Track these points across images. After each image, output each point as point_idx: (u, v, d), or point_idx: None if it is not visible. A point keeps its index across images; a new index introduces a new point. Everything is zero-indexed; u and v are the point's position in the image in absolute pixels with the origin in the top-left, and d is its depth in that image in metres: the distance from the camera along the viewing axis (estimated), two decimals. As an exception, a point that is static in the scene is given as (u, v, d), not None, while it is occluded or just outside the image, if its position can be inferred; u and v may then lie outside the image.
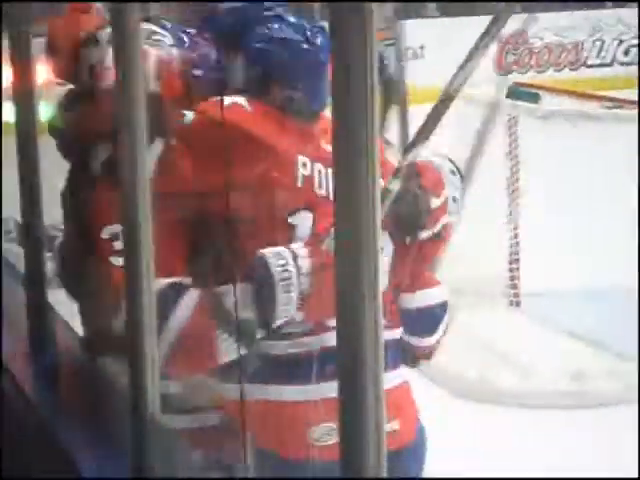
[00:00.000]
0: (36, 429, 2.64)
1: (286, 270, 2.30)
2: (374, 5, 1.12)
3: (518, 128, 6.59)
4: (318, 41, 2.58)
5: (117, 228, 2.18)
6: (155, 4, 2.98)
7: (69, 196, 2.58)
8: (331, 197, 2.34)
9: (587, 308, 6.21)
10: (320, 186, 2.50)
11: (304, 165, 2.47)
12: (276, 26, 2.59)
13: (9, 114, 3.11)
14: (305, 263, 2.34)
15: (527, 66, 14.88)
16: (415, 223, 2.53)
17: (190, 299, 2.31)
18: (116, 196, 1.93)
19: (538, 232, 6.34)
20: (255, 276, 2.32)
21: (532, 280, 6.84)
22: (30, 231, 2.82)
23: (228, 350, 2.31)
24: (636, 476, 3.76)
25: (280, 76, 2.53)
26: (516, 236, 6.78)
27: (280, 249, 2.33)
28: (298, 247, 2.37)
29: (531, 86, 6.82)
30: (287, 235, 2.45)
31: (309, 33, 2.60)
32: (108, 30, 2.37)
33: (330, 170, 2.38)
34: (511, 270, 6.93)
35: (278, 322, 2.32)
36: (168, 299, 2.25)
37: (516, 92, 6.41)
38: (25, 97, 2.71)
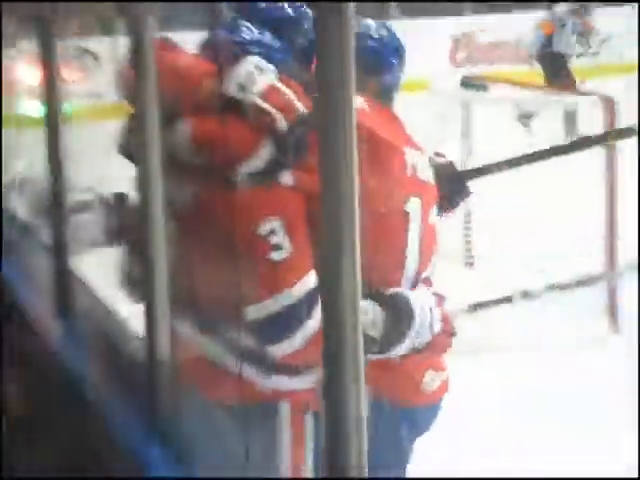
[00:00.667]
0: (64, 386, 2.60)
1: (426, 315, 2.31)
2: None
3: (470, 112, 6.71)
4: (396, 36, 2.62)
5: (274, 224, 2.17)
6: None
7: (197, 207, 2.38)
8: (430, 181, 2.50)
9: (529, 269, 6.29)
10: (422, 171, 2.49)
11: (410, 155, 2.46)
12: (366, 26, 2.58)
13: (34, 109, 3.16)
14: (436, 316, 2.36)
15: (477, 61, 14.93)
16: None
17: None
18: (267, 196, 2.13)
19: (488, 203, 6.22)
20: (396, 311, 2.29)
21: (484, 244, 7.00)
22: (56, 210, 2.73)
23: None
24: (636, 476, 3.50)
25: (375, 70, 2.49)
26: (469, 209, 6.77)
27: (424, 293, 2.40)
28: (427, 294, 2.43)
29: (480, 78, 6.98)
30: (404, 224, 2.42)
31: (386, 30, 2.61)
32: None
33: (423, 155, 2.50)
34: (466, 235, 6.98)
35: (395, 352, 2.31)
36: (310, 301, 2.19)
37: (468, 84, 6.54)
38: (52, 96, 2.63)
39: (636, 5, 13.35)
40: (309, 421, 2.43)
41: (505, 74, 10.53)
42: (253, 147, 2.21)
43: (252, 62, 2.24)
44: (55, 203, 2.71)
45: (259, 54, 2.30)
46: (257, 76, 2.23)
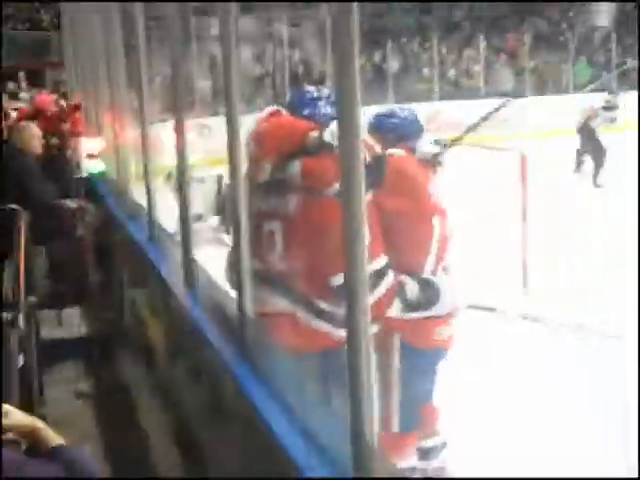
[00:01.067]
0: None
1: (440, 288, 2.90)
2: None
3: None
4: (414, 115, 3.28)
5: None
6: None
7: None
8: (444, 207, 3.00)
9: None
10: (440, 199, 3.01)
11: (432, 188, 3.00)
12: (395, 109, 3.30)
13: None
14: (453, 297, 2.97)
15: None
16: None
17: (389, 279, 2.72)
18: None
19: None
20: (427, 290, 2.87)
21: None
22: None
23: (396, 310, 2.80)
24: (636, 476, 3.13)
25: (403, 138, 3.10)
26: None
27: (448, 281, 2.95)
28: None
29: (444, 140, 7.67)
30: (431, 231, 2.95)
31: (409, 112, 3.28)
32: None
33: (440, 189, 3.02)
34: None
35: (423, 314, 2.89)
36: (380, 274, 2.70)
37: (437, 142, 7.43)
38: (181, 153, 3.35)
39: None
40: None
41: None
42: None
43: None
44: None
45: None
46: None
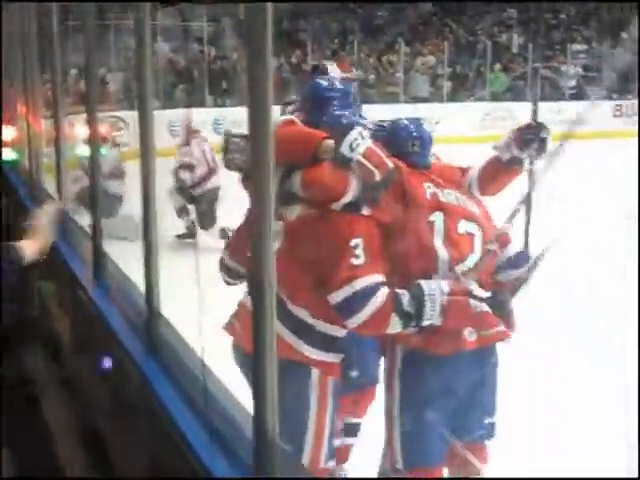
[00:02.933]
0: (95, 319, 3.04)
1: (433, 292, 2.62)
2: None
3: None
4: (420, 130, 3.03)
5: (357, 241, 2.60)
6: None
7: None
8: (454, 203, 2.85)
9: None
10: (443, 197, 2.84)
11: (429, 187, 2.84)
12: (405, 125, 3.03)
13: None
14: (446, 289, 2.64)
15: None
16: None
17: (382, 293, 2.58)
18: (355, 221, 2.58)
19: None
20: (415, 296, 2.61)
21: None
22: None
23: (395, 326, 2.60)
24: (636, 476, 2.86)
25: (405, 151, 2.92)
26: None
27: (433, 282, 2.66)
28: (445, 284, 2.67)
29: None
30: (431, 229, 2.78)
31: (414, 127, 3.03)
32: None
33: (448, 190, 2.86)
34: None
35: (425, 324, 2.62)
36: (371, 290, 2.57)
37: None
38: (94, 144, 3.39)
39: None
40: (331, 384, 2.73)
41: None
42: (348, 188, 2.63)
43: (358, 131, 2.67)
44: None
45: (361, 126, 2.72)
46: (360, 141, 2.66)
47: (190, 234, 7.64)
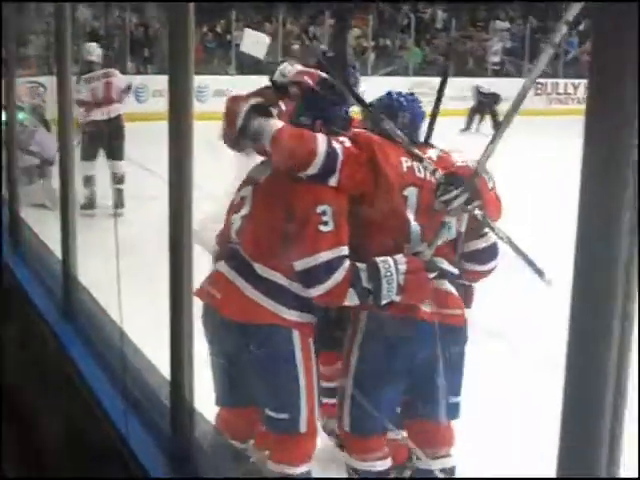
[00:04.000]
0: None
1: (389, 272, 2.64)
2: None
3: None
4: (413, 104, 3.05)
5: (325, 208, 2.61)
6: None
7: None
8: (429, 178, 2.78)
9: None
10: (419, 172, 2.82)
11: (406, 161, 2.81)
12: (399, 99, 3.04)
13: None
14: (403, 267, 2.66)
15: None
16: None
17: (344, 268, 2.60)
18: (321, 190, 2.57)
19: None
20: (370, 277, 2.63)
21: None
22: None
23: (352, 299, 2.64)
24: (636, 476, 3.27)
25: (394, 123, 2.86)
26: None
27: (387, 258, 2.66)
28: (400, 257, 2.68)
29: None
30: (404, 204, 2.79)
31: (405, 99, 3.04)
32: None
33: (423, 165, 2.79)
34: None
35: (383, 302, 2.65)
36: (334, 264, 2.58)
37: None
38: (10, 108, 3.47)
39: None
40: (312, 346, 2.73)
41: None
42: (311, 162, 2.64)
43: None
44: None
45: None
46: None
47: (90, 205, 7.45)
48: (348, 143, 2.73)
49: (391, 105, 3.00)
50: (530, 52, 19.18)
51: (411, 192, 2.79)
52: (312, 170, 2.65)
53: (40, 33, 14.76)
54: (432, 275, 2.76)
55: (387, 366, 2.80)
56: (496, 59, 20.15)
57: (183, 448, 1.67)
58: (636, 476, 2.27)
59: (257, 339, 2.67)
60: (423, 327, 2.75)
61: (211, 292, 2.74)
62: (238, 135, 2.77)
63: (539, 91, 19.85)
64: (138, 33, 17.04)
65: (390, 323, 2.73)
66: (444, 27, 21.62)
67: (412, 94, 3.18)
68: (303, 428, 2.73)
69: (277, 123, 2.73)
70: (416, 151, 2.80)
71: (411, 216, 2.76)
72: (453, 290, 2.83)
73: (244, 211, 2.80)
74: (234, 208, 2.87)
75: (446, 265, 2.86)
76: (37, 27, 14.64)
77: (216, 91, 15.81)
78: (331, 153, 2.67)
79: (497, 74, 19.40)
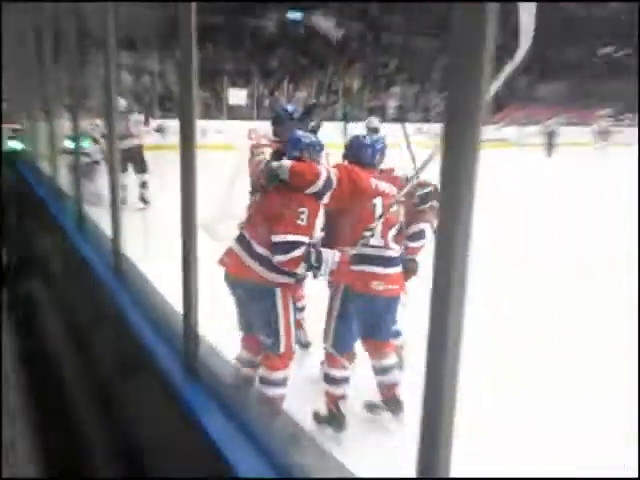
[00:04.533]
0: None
1: (327, 262, 2.68)
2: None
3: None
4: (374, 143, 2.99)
5: (304, 209, 2.65)
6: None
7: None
8: (387, 190, 2.85)
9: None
10: (381, 186, 2.87)
11: (373, 181, 2.87)
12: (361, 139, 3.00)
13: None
14: (337, 259, 2.70)
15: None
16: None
17: (301, 249, 2.64)
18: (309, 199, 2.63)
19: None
20: (317, 259, 2.66)
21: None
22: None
23: (302, 269, 2.67)
24: (636, 476, 2.36)
25: (357, 157, 2.95)
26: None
27: (329, 250, 2.70)
28: (338, 255, 2.70)
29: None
30: (372, 210, 2.85)
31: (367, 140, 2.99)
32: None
33: (384, 182, 2.88)
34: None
35: (320, 275, 2.70)
36: (297, 244, 2.62)
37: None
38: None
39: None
40: (289, 298, 2.82)
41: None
42: (317, 183, 2.69)
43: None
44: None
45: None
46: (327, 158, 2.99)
47: (123, 201, 7.43)
48: (336, 173, 2.77)
49: (360, 144, 3.03)
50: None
51: (378, 201, 2.86)
52: (314, 189, 2.71)
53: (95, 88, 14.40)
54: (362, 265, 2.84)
55: (353, 317, 2.91)
56: (392, 111, 20.70)
57: (191, 360, 1.65)
58: (636, 476, 2.39)
59: (252, 292, 2.80)
60: (372, 297, 2.88)
61: (226, 261, 2.87)
62: (264, 170, 2.81)
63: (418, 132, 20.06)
64: (162, 92, 16.69)
65: (355, 295, 2.87)
66: (360, 90, 21.67)
67: (377, 132, 3.24)
68: (282, 349, 2.83)
69: (288, 162, 2.76)
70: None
71: (377, 219, 2.83)
72: (376, 269, 2.86)
73: (252, 209, 2.93)
74: (250, 207, 3.01)
75: (396, 247, 2.93)
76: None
77: (214, 129, 15.83)
78: (328, 180, 2.72)
79: (393, 120, 19.73)
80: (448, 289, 0.83)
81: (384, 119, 19.51)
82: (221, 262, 2.89)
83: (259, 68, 20.48)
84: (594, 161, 18.25)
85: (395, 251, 2.91)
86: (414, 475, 0.89)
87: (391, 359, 3.02)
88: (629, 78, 29.19)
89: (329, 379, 2.96)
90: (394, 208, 2.87)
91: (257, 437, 1.22)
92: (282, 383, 2.84)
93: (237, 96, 16.50)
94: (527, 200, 8.97)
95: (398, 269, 2.92)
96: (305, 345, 3.78)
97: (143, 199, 7.75)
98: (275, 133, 3.50)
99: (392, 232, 2.89)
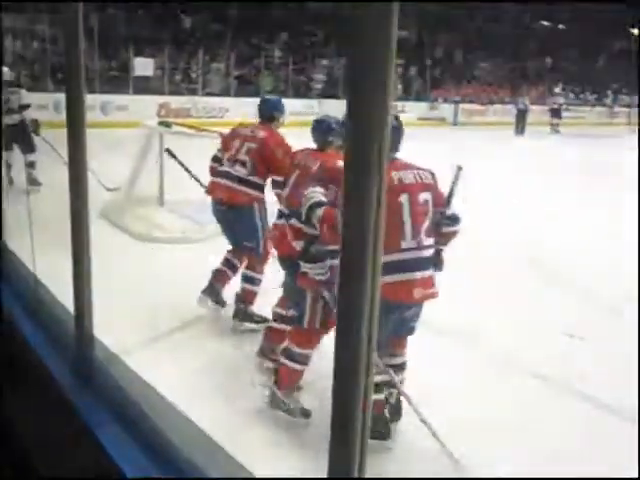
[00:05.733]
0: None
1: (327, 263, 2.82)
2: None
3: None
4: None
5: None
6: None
7: None
8: (413, 182, 2.77)
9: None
10: (406, 179, 2.79)
11: (395, 174, 2.74)
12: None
13: None
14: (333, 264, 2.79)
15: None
16: None
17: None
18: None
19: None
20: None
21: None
22: None
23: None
24: (636, 476, 2.40)
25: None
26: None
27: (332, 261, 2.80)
28: (335, 263, 2.70)
29: (167, 122, 7.40)
30: (401, 207, 2.72)
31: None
32: None
33: (408, 171, 2.83)
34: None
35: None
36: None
37: (162, 123, 7.28)
38: None
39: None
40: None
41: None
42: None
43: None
44: None
45: None
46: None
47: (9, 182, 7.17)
48: None
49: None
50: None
51: (404, 197, 2.73)
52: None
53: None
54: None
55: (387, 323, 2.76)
56: (318, 85, 20.80)
57: (84, 364, 1.63)
58: (636, 476, 2.41)
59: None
60: (408, 306, 2.80)
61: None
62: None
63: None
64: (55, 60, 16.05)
65: (390, 306, 2.69)
66: (283, 62, 21.66)
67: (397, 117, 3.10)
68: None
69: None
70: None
71: (406, 217, 2.73)
72: (419, 277, 2.75)
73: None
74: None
75: (424, 252, 2.80)
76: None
77: (118, 106, 15.39)
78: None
79: (319, 96, 19.89)
80: (357, 281, 0.86)
81: (310, 95, 19.67)
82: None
83: (170, 35, 20.02)
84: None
85: (429, 250, 2.79)
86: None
87: (404, 356, 3.01)
88: (567, 54, 30.59)
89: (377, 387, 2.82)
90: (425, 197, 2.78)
91: (149, 440, 1.24)
92: (303, 360, 3.02)
93: (143, 66, 16.06)
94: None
95: (432, 270, 2.81)
96: (220, 303, 4.21)
97: (32, 181, 7.46)
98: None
99: (424, 226, 2.77)
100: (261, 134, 4.02)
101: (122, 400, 1.42)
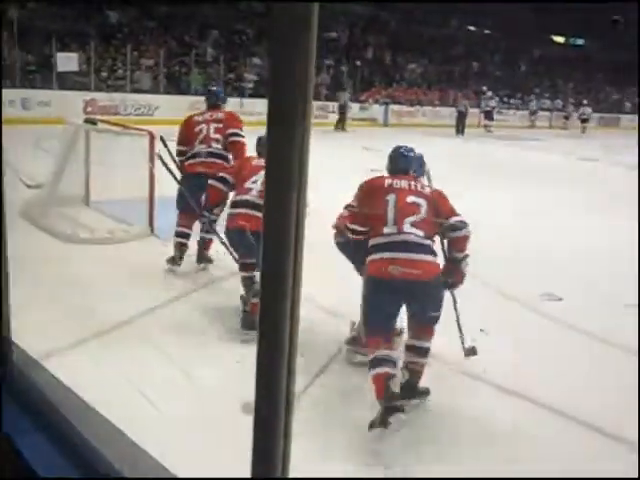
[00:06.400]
0: None
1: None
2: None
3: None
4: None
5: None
6: None
7: None
8: (405, 187, 3.34)
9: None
10: (397, 184, 3.35)
11: (387, 180, 3.39)
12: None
13: None
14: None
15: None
16: None
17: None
18: None
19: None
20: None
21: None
22: None
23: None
24: (636, 476, 2.42)
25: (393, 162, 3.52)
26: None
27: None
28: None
29: (93, 119, 7.12)
30: (386, 205, 3.26)
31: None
32: None
33: (403, 181, 3.41)
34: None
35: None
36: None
37: (88, 120, 7.04)
38: None
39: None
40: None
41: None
42: None
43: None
44: None
45: None
46: None
47: None
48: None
49: (393, 153, 3.62)
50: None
51: (391, 196, 3.26)
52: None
53: None
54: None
55: (382, 300, 3.16)
56: (250, 85, 20.70)
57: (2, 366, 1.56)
58: (636, 476, 2.45)
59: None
60: (388, 281, 3.12)
61: (240, 222, 3.96)
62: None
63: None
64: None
65: (376, 281, 3.17)
66: (215, 60, 21.42)
67: (411, 148, 3.66)
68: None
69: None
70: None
71: (390, 209, 3.23)
72: (399, 257, 3.13)
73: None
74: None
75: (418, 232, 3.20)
76: None
77: (39, 102, 14.96)
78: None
79: (251, 96, 19.74)
80: (278, 281, 0.85)
81: (242, 94, 19.48)
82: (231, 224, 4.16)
83: (96, 30, 19.45)
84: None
85: (414, 235, 3.16)
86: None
87: (427, 342, 3.26)
88: (492, 59, 31.55)
89: (372, 362, 3.09)
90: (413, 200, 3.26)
91: (68, 443, 1.21)
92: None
93: (67, 61, 15.51)
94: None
95: (425, 256, 3.14)
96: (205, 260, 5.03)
97: None
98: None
99: (409, 219, 3.21)
100: (220, 115, 5.07)
101: (41, 405, 1.37)
